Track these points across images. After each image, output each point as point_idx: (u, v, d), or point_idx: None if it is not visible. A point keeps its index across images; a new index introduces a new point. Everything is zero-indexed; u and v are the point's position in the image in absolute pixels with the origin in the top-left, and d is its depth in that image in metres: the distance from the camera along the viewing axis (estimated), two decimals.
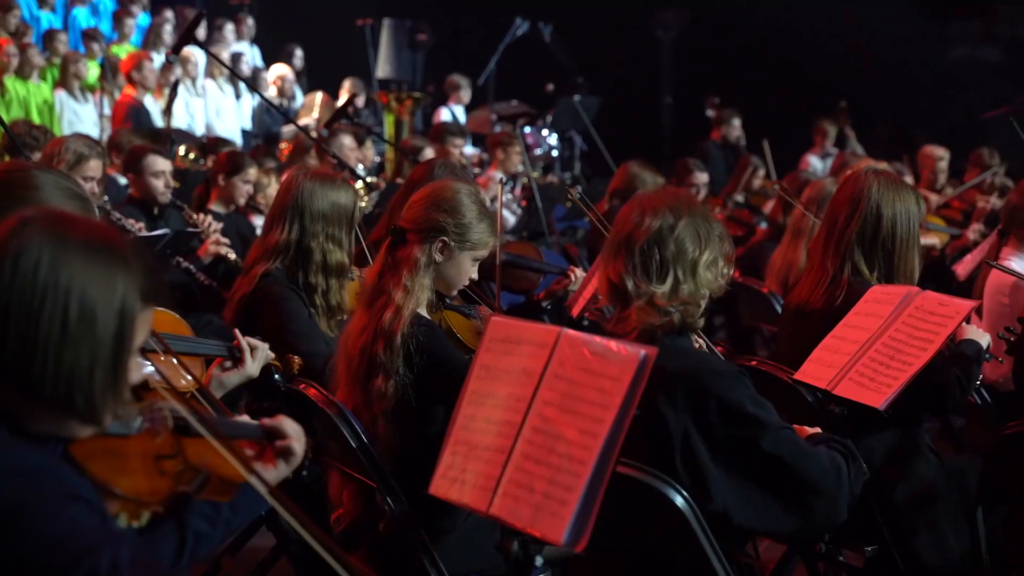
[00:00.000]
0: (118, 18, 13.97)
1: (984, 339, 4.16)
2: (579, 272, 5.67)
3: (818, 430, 3.46)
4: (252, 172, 7.54)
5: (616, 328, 3.27)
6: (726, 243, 3.32)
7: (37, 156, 7.33)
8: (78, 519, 2.03)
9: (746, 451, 3.11)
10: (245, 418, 2.79)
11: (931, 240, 8.78)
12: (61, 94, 11.88)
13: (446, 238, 3.83)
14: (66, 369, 2.08)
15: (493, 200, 8.99)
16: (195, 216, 6.92)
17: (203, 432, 2.39)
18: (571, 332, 2.74)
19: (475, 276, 4.00)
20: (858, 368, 3.91)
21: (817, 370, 4.02)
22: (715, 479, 3.10)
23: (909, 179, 9.13)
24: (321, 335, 4.47)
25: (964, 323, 4.04)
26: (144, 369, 2.78)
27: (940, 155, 10.54)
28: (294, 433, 2.67)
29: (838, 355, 4.01)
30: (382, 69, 15.28)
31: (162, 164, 7.10)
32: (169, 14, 14.38)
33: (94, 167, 6.62)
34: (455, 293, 4.06)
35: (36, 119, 11.27)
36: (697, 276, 3.22)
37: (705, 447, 3.10)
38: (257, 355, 3.58)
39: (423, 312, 3.82)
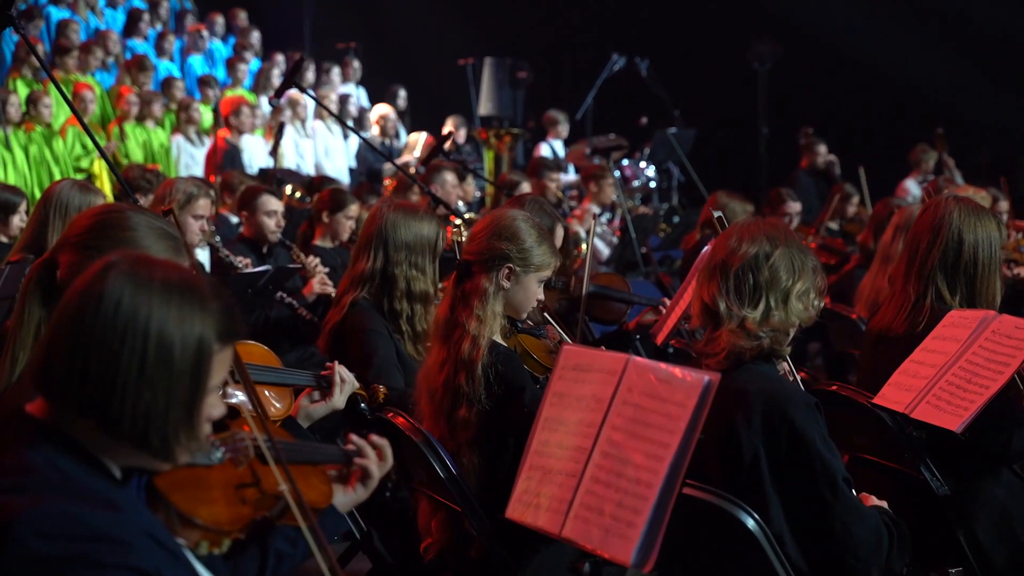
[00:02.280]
0: (231, 64, 14.23)
1: None
2: (668, 304, 5.66)
3: (884, 504, 3.44)
4: (354, 208, 7.64)
5: (705, 348, 3.29)
6: (819, 276, 3.34)
7: (151, 198, 7.53)
8: None
9: (804, 487, 3.11)
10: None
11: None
12: (178, 138, 12.15)
13: (511, 264, 3.85)
14: (143, 408, 2.08)
15: (588, 232, 9.01)
16: (302, 256, 7.05)
17: (270, 461, 2.41)
18: (639, 359, 2.77)
19: (542, 297, 4.02)
20: (935, 392, 3.86)
21: (896, 394, 3.98)
22: (774, 504, 3.10)
23: (1004, 204, 8.93)
24: (400, 371, 4.51)
25: None
26: (233, 399, 2.85)
27: None
28: (372, 454, 2.70)
29: (916, 379, 3.96)
30: (484, 107, 15.37)
31: (274, 204, 7.28)
32: (279, 58, 14.63)
33: (203, 206, 6.79)
34: (524, 316, 4.08)
35: (155, 162, 11.55)
36: (789, 305, 3.23)
37: (770, 471, 3.10)
38: (345, 388, 3.62)
39: (498, 339, 3.86)
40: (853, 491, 3.21)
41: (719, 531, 3.03)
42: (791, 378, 3.97)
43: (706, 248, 4.94)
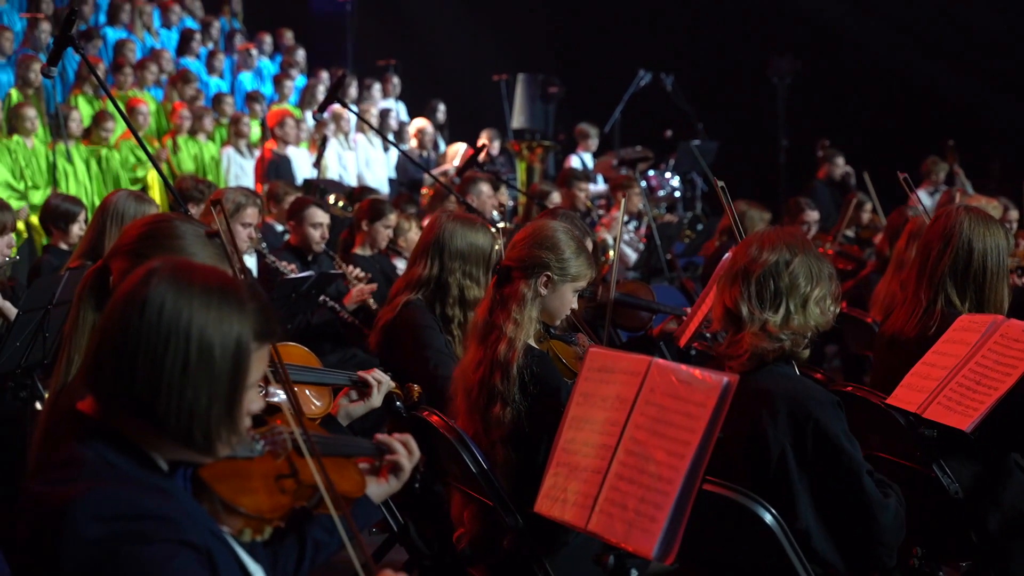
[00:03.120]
0: (278, 81, 14.27)
1: None
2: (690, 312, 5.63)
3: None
4: (392, 218, 7.66)
5: (728, 351, 3.29)
6: (835, 282, 3.36)
7: (202, 207, 7.56)
8: (184, 571, 2.02)
9: (831, 482, 3.10)
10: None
11: None
12: (228, 151, 12.19)
13: (549, 272, 3.85)
14: (187, 405, 2.09)
15: (616, 240, 8.99)
16: (344, 266, 7.08)
17: (306, 453, 2.41)
18: (661, 361, 2.76)
19: (576, 306, 4.02)
20: (946, 393, 3.84)
21: (908, 395, 3.96)
22: (802, 499, 3.09)
23: (1014, 213, 8.85)
24: (455, 360, 4.52)
25: None
26: (275, 398, 2.85)
27: None
28: (401, 449, 2.70)
29: (928, 380, 3.94)
30: (517, 120, 15.38)
31: (321, 217, 7.32)
32: (324, 75, 14.68)
33: (251, 214, 6.83)
34: (558, 323, 4.07)
35: (206, 173, 11.62)
36: (807, 309, 3.24)
37: (797, 467, 3.09)
38: (382, 388, 3.61)
39: (532, 343, 3.85)
40: (873, 483, 3.19)
41: (738, 525, 3.01)
42: None
43: (726, 255, 4.94)
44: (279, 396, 2.90)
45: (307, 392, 3.44)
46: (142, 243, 2.89)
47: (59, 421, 2.25)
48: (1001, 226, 4.38)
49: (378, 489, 2.72)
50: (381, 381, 3.59)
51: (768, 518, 2.96)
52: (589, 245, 5.14)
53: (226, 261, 2.91)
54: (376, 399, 3.58)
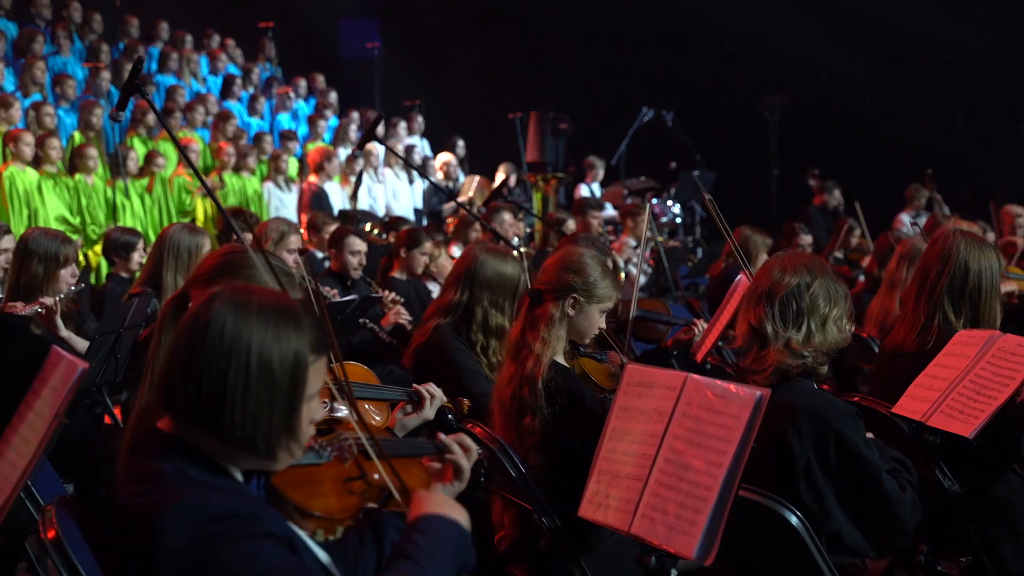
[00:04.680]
0: (313, 121, 14.31)
1: None
2: (702, 324, 5.62)
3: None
4: (428, 246, 7.65)
5: (752, 365, 3.28)
6: (850, 302, 3.33)
7: (248, 236, 7.57)
8: (274, 561, 2.01)
9: (855, 485, 3.09)
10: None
11: (1010, 287, 8.50)
12: (269, 185, 12.21)
13: (576, 295, 3.84)
14: (250, 417, 2.09)
15: (627, 262, 8.98)
16: (381, 291, 7.07)
17: (372, 455, 2.40)
18: (696, 376, 2.74)
19: (603, 326, 4.00)
20: (948, 402, 3.82)
21: (912, 404, 3.94)
22: (830, 501, 3.08)
23: (991, 236, 8.84)
24: (486, 377, 4.50)
25: None
26: (339, 413, 2.84)
27: (1019, 212, 10.24)
28: (458, 449, 2.66)
29: (931, 391, 3.92)
30: (530, 154, 15.34)
31: (359, 245, 7.31)
32: (354, 115, 14.71)
33: (295, 241, 6.84)
34: (587, 341, 4.05)
35: (249, 206, 11.65)
36: (826, 328, 3.25)
37: (822, 474, 3.08)
38: (435, 402, 3.60)
39: (560, 359, 3.84)
40: (892, 480, 3.17)
41: (766, 527, 2.99)
42: None
43: (740, 276, 4.92)
44: (342, 411, 2.88)
45: (366, 407, 3.43)
46: (217, 272, 2.89)
47: (143, 437, 2.24)
48: (993, 248, 4.37)
49: (445, 491, 2.68)
50: (434, 395, 3.58)
51: (794, 520, 2.93)
52: (609, 264, 5.14)
53: (295, 288, 2.90)
54: (429, 411, 3.56)
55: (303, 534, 2.24)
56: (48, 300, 5.13)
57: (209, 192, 4.83)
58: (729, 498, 2.50)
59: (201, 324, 2.11)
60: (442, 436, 2.71)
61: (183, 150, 5.39)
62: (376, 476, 2.42)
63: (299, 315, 2.16)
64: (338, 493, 2.40)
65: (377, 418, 3.45)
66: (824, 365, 3.26)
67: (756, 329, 3.26)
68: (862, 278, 9.12)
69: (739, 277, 4.92)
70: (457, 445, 2.69)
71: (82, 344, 5.22)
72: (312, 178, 12.45)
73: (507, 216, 8.86)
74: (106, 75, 11.98)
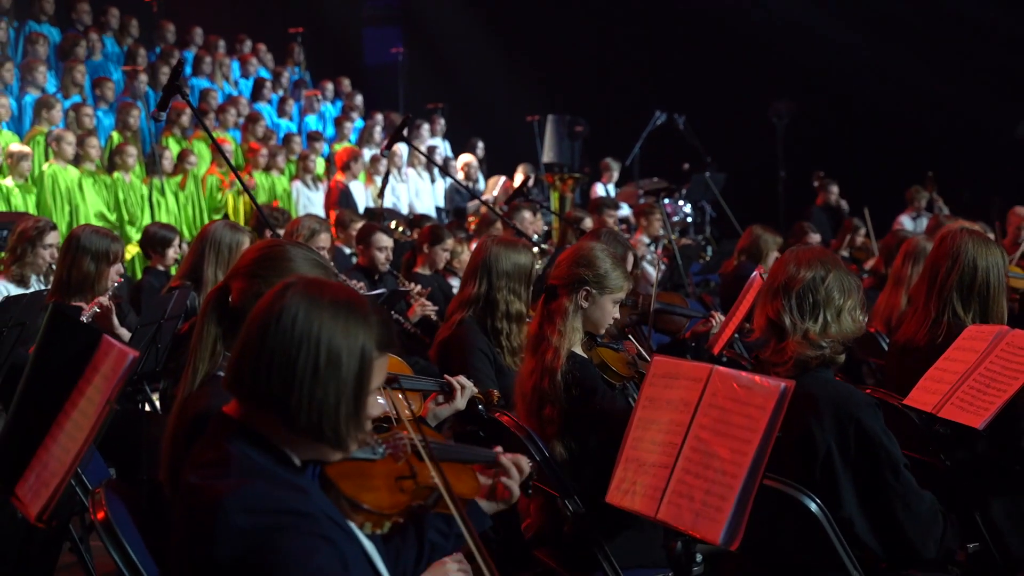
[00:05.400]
0: (339, 123, 14.32)
1: None
2: (719, 316, 5.60)
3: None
4: (450, 242, 7.64)
5: (772, 358, 3.25)
6: (862, 294, 3.31)
7: (281, 232, 7.57)
8: (323, 564, 1.99)
9: (872, 475, 3.06)
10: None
11: (1018, 285, 8.44)
12: (297, 184, 12.23)
13: (588, 287, 3.83)
14: (317, 404, 2.07)
15: (641, 259, 8.96)
16: (406, 283, 7.06)
17: (426, 459, 2.36)
18: (721, 368, 2.72)
19: (618, 316, 3.98)
20: (959, 394, 3.79)
21: (923, 396, 3.91)
22: (846, 491, 3.05)
23: (991, 235, 8.78)
24: (494, 382, 4.46)
25: None
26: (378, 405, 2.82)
27: None
28: (514, 472, 2.61)
29: (941, 384, 3.89)
30: (547, 155, 15.36)
31: (386, 241, 7.30)
32: (379, 117, 14.70)
33: (324, 239, 6.84)
34: (603, 331, 4.04)
35: (278, 203, 11.67)
36: (841, 319, 3.21)
37: (841, 463, 3.05)
38: (466, 392, 3.59)
39: (577, 350, 3.83)
40: (910, 475, 3.14)
41: (787, 513, 2.97)
42: None
43: (755, 272, 4.90)
44: (380, 401, 2.87)
45: (399, 396, 3.41)
46: (258, 265, 2.87)
47: (212, 423, 2.22)
48: (999, 246, 4.35)
49: (487, 507, 2.64)
50: (465, 386, 3.57)
51: (813, 507, 2.92)
52: (630, 258, 5.12)
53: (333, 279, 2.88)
54: (460, 402, 3.55)
55: (352, 526, 2.22)
56: (104, 300, 5.15)
57: (245, 188, 4.84)
58: (754, 486, 2.48)
59: (274, 313, 2.10)
60: (504, 456, 2.64)
61: (220, 149, 5.40)
62: (426, 477, 2.38)
63: (368, 311, 2.15)
64: (389, 489, 2.38)
65: (411, 407, 3.43)
66: (841, 355, 3.23)
67: (774, 322, 3.23)
68: (866, 276, 9.07)
69: (754, 273, 4.90)
70: (515, 468, 2.64)
71: (127, 336, 5.23)
72: (339, 176, 12.46)
73: (527, 214, 8.86)
74: (143, 78, 12.00)
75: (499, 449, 2.68)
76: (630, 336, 4.31)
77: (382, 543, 2.35)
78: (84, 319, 4.96)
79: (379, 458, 2.41)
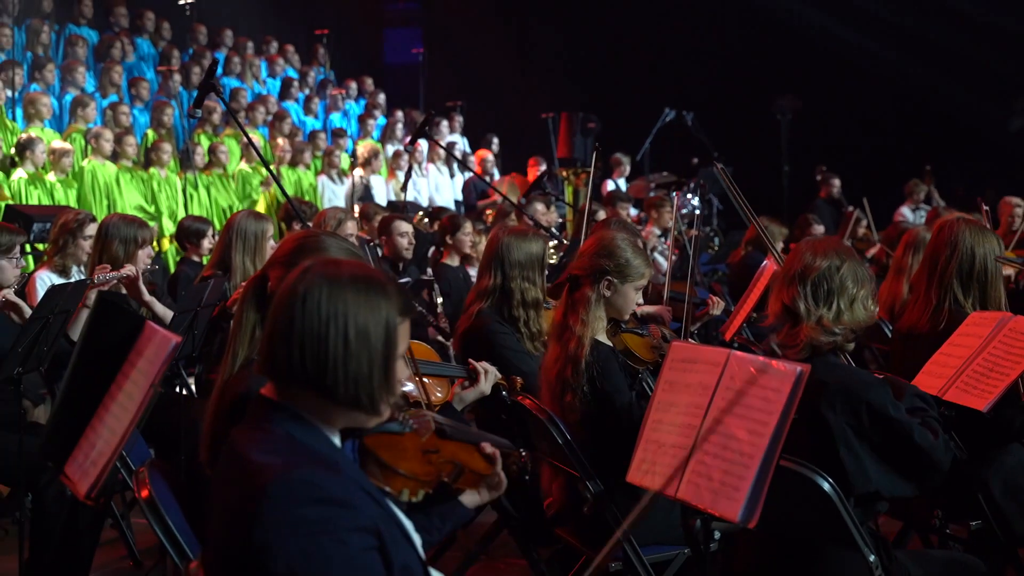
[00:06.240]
0: (362, 120, 14.32)
1: None
2: (718, 301, 5.55)
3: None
4: (468, 226, 7.62)
5: (786, 341, 3.23)
6: (873, 284, 3.29)
7: (308, 224, 7.57)
8: (357, 553, 1.98)
9: (890, 443, 3.04)
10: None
11: (1007, 271, 8.39)
12: (322, 178, 12.23)
13: (611, 276, 3.81)
14: (352, 376, 2.07)
15: (652, 250, 8.93)
16: (428, 271, 7.08)
17: (453, 436, 2.45)
18: (738, 353, 2.70)
19: (640, 302, 3.96)
20: (963, 379, 3.77)
21: (928, 380, 3.89)
22: (870, 466, 3.02)
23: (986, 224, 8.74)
24: (529, 357, 4.47)
25: None
26: (406, 387, 2.83)
27: (1017, 203, 10.12)
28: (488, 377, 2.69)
29: (946, 368, 3.87)
30: (561, 151, 15.36)
31: (405, 227, 7.31)
32: (400, 114, 14.69)
33: (351, 227, 6.83)
34: (627, 317, 4.02)
35: (304, 197, 11.68)
36: (854, 307, 3.19)
37: (858, 442, 3.03)
38: (489, 377, 3.58)
39: (601, 338, 3.81)
40: (923, 429, 3.13)
41: (800, 492, 2.95)
42: None
43: (765, 262, 4.87)
44: (409, 386, 2.88)
45: (427, 381, 3.41)
46: (294, 254, 2.87)
47: (253, 405, 2.22)
48: (993, 233, 4.35)
49: (469, 500, 2.67)
50: (489, 371, 3.56)
51: (826, 486, 2.90)
52: (640, 246, 5.09)
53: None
54: (485, 385, 3.54)
55: (391, 503, 2.22)
56: (130, 267, 5.21)
57: (277, 182, 4.83)
58: (771, 466, 2.46)
59: (298, 296, 2.09)
60: (488, 445, 2.69)
61: (252, 144, 5.40)
62: (449, 452, 2.45)
63: (385, 282, 2.15)
64: (419, 460, 2.43)
65: (439, 393, 3.44)
66: (852, 342, 3.21)
67: (789, 308, 3.21)
68: (868, 265, 9.04)
69: (764, 262, 4.87)
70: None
71: (161, 308, 5.28)
72: (359, 171, 12.46)
73: (540, 207, 8.86)
74: (177, 77, 12.03)
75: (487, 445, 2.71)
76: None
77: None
78: (101, 278, 5.02)
79: (408, 431, 2.46)
